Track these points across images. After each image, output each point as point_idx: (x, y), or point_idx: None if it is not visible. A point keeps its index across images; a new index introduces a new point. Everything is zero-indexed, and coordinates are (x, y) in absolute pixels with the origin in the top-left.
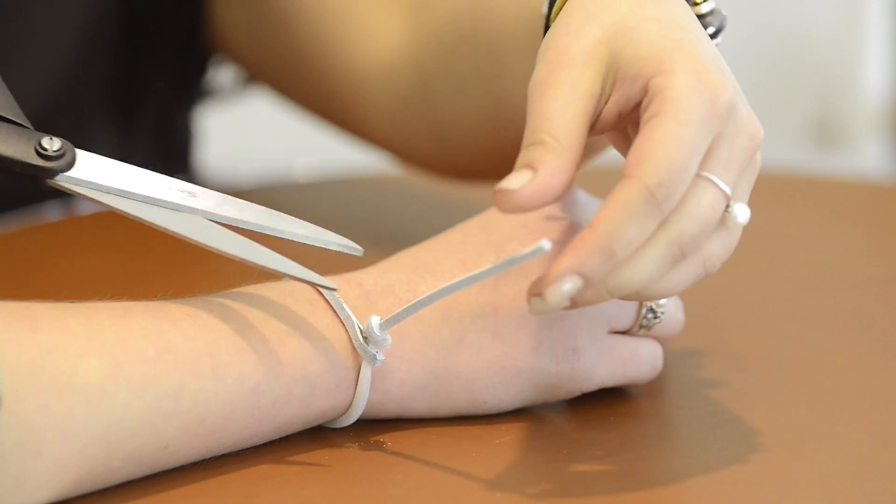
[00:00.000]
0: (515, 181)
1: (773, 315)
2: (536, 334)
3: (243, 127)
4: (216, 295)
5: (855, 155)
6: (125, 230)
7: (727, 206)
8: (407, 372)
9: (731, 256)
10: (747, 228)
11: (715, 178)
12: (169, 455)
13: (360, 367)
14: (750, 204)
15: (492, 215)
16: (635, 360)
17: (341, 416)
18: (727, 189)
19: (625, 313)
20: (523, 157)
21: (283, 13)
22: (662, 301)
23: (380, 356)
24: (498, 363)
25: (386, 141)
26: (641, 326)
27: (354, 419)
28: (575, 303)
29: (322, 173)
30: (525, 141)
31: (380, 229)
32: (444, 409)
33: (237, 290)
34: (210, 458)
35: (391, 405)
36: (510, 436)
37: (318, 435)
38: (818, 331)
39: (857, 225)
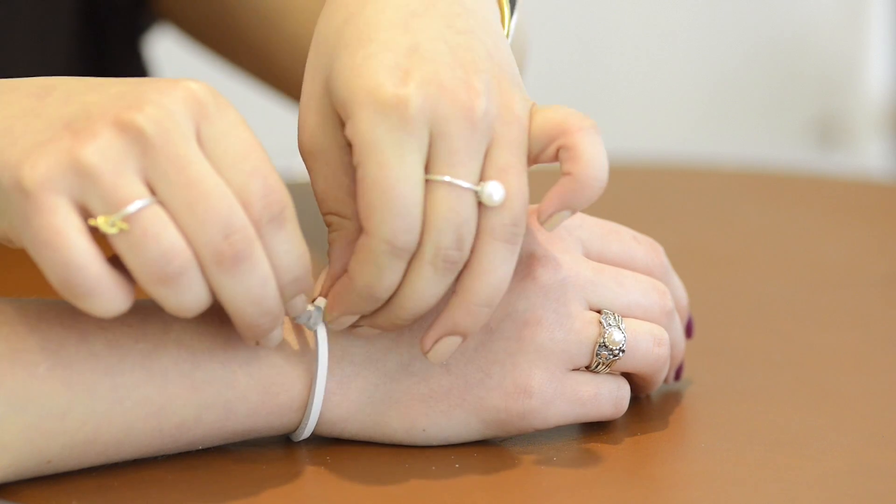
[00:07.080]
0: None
1: (774, 315)
2: (485, 368)
3: None
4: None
5: (857, 154)
6: None
7: (477, 192)
8: (343, 395)
9: (733, 256)
10: (749, 228)
11: (438, 178)
12: (55, 467)
13: (298, 385)
14: (751, 203)
15: None
16: (596, 401)
17: (288, 432)
18: (461, 182)
19: (581, 351)
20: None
21: None
22: (618, 338)
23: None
24: (441, 391)
25: None
26: (599, 364)
27: (300, 438)
28: (374, 324)
29: None
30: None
31: None
32: (378, 435)
33: None
34: (210, 457)
35: (324, 427)
36: (510, 436)
37: (317, 435)
38: (819, 330)
39: (859, 224)
